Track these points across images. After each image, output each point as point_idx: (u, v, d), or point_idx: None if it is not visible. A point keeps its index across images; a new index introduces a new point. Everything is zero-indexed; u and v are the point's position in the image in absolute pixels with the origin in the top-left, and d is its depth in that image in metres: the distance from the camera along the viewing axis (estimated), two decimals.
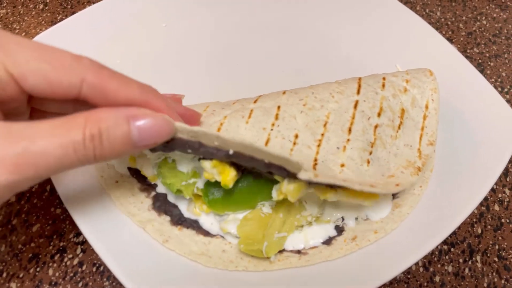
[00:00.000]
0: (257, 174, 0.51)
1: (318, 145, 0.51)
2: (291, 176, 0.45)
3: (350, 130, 0.53)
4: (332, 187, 0.48)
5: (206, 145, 0.44)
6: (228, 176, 0.46)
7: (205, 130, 0.42)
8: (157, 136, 0.39)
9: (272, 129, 0.52)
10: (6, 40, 0.36)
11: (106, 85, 0.38)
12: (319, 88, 0.58)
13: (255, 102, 0.56)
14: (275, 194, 0.49)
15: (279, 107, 0.54)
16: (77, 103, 0.41)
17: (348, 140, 0.52)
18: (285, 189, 0.46)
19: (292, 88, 0.59)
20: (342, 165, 0.50)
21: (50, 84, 0.36)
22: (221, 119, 0.53)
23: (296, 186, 0.46)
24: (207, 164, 0.45)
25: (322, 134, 0.52)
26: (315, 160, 0.50)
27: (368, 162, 0.52)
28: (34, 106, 0.43)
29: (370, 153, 0.52)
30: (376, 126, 0.54)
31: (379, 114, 0.55)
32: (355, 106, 0.55)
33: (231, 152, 0.43)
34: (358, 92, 0.57)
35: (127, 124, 0.37)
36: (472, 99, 0.66)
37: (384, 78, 0.60)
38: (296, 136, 0.52)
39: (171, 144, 0.43)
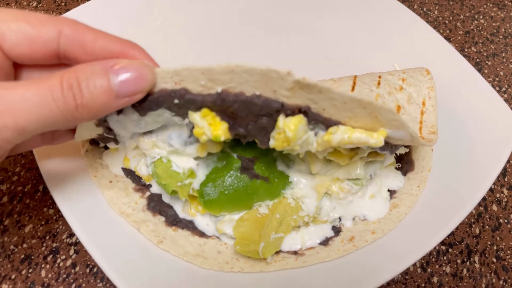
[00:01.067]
0: (252, 173, 0.50)
1: None
2: (287, 109, 0.41)
3: None
4: (333, 125, 0.43)
5: (192, 92, 0.41)
6: (219, 128, 0.43)
7: (187, 65, 0.40)
8: (138, 82, 0.38)
9: None
10: None
11: (82, 35, 0.39)
12: None
13: None
14: (272, 141, 0.44)
15: None
16: None
17: None
18: (283, 123, 0.41)
19: None
20: None
21: (29, 40, 0.38)
22: None
23: (294, 119, 0.41)
24: (196, 116, 0.42)
25: None
26: None
27: None
28: None
29: None
30: None
31: None
32: None
33: (219, 90, 0.40)
34: (353, 89, 0.57)
35: (106, 73, 0.36)
36: (470, 98, 0.65)
37: (380, 77, 0.59)
38: None
39: (156, 98, 0.41)
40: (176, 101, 0.41)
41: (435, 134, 0.54)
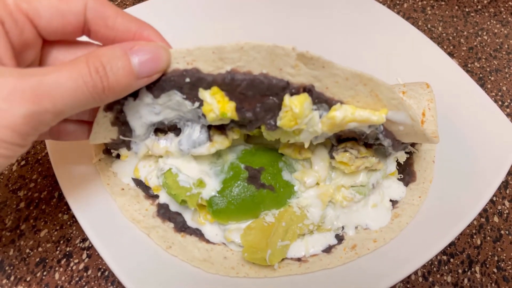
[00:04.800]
0: (259, 183, 0.52)
1: None
2: (292, 88, 0.44)
3: None
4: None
5: (203, 71, 0.44)
6: (226, 105, 0.45)
7: (199, 45, 0.42)
8: (156, 62, 0.41)
9: None
10: None
11: (105, 9, 0.42)
12: None
13: None
14: (279, 121, 0.46)
15: None
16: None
17: None
18: (289, 101, 0.43)
19: None
20: None
21: (62, 14, 0.40)
22: None
23: (299, 97, 0.44)
24: (206, 94, 0.45)
25: None
26: None
27: None
28: None
29: None
30: None
31: None
32: None
33: (228, 69, 0.43)
34: None
35: (126, 55, 0.39)
36: (472, 112, 0.67)
37: None
38: None
39: (169, 78, 0.44)
40: (187, 79, 0.44)
41: (436, 138, 0.55)
